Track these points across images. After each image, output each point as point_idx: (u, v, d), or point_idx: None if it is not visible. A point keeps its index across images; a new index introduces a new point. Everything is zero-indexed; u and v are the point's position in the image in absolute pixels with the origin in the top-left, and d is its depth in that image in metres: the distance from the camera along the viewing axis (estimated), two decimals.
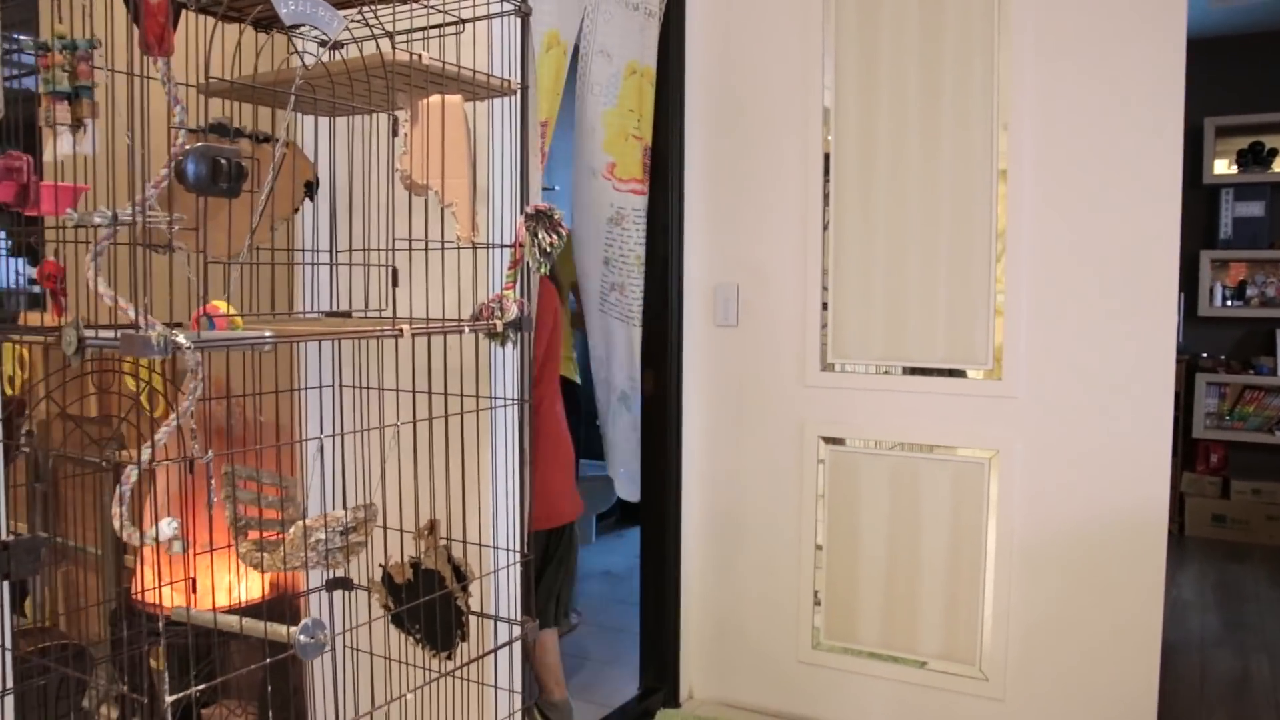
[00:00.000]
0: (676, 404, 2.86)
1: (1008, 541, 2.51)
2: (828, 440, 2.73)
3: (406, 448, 2.04)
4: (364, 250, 1.92)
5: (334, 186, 1.98)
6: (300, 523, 1.56)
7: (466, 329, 1.69)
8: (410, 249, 1.86)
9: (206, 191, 1.23)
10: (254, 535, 1.72)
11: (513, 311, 1.79)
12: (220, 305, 1.49)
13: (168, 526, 1.50)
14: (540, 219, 1.75)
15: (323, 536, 1.57)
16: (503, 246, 2.01)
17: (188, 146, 1.20)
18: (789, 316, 2.76)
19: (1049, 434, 2.46)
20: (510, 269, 1.83)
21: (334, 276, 2.14)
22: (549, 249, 1.76)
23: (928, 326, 2.58)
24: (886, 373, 2.65)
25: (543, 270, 1.77)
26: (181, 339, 1.21)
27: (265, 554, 1.64)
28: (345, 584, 2.13)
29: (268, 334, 1.40)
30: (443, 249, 1.83)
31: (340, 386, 2.14)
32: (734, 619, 2.92)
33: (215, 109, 1.63)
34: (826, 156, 2.68)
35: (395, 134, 1.65)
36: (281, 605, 2.23)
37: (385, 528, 2.08)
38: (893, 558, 2.66)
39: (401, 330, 1.54)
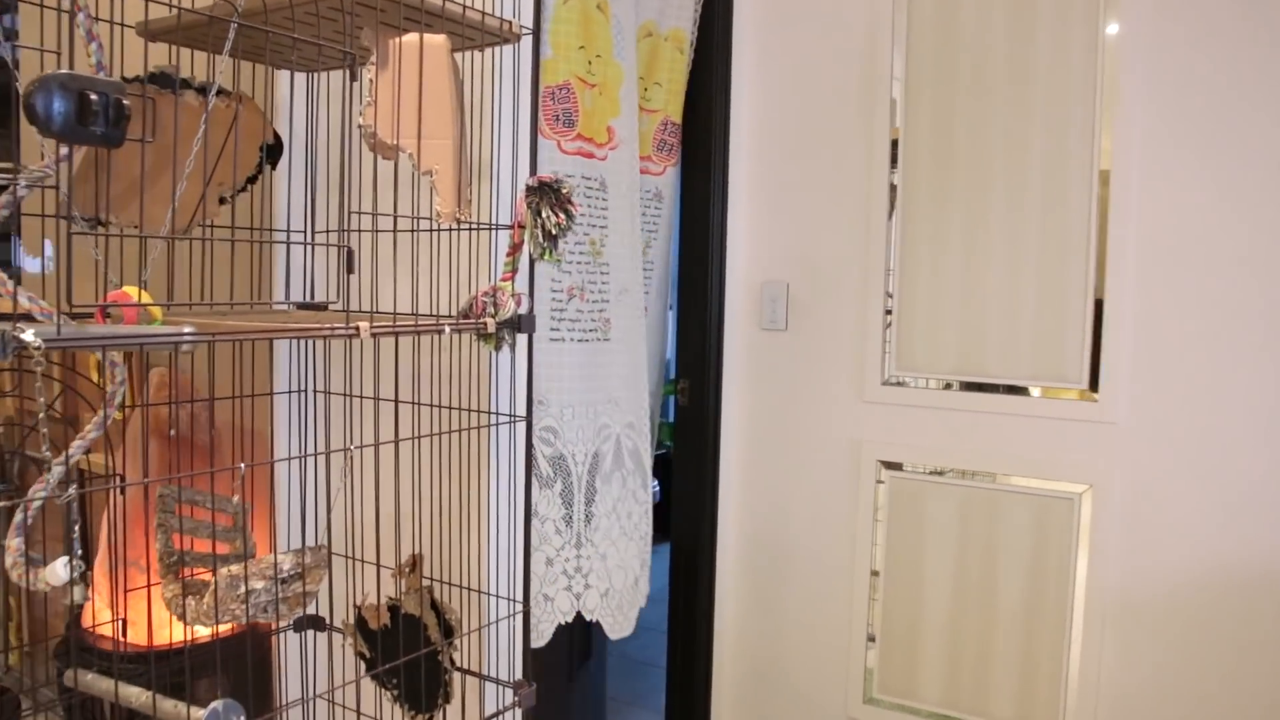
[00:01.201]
0: (714, 418, 2.51)
1: (1100, 593, 2.13)
2: (887, 465, 2.36)
3: (389, 467, 1.72)
4: (340, 231, 1.60)
5: (313, 154, 1.66)
6: (228, 569, 1.24)
7: (447, 328, 1.36)
8: (375, 229, 1.53)
9: (75, 138, 0.91)
10: (187, 573, 1.41)
11: (509, 308, 1.46)
12: (132, 292, 1.18)
13: (62, 568, 1.20)
14: (545, 193, 1.42)
15: (258, 586, 1.25)
16: (498, 228, 1.68)
17: (40, 76, 0.88)
18: (846, 321, 2.40)
19: (1155, 467, 2.07)
20: (508, 255, 1.50)
21: (308, 261, 1.82)
22: (555, 230, 1.42)
23: (1010, 336, 2.21)
24: (959, 389, 2.28)
25: (547, 257, 1.43)
26: (29, 336, 0.89)
27: (191, 600, 1.33)
28: (317, 624, 1.82)
29: (186, 331, 1.09)
30: (415, 230, 1.50)
31: (314, 392, 1.82)
32: (774, 660, 2.56)
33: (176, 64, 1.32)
34: (894, 143, 2.31)
35: (354, 79, 1.32)
36: (247, 642, 1.93)
37: (360, 559, 1.75)
38: (960, 603, 2.29)
39: (358, 329, 1.21)
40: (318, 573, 1.34)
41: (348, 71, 1.35)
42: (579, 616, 2.06)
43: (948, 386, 2.30)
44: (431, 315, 1.43)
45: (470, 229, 1.57)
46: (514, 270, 1.49)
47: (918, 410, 2.32)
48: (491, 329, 1.43)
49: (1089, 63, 2.09)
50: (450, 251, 1.59)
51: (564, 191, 1.42)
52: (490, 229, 1.66)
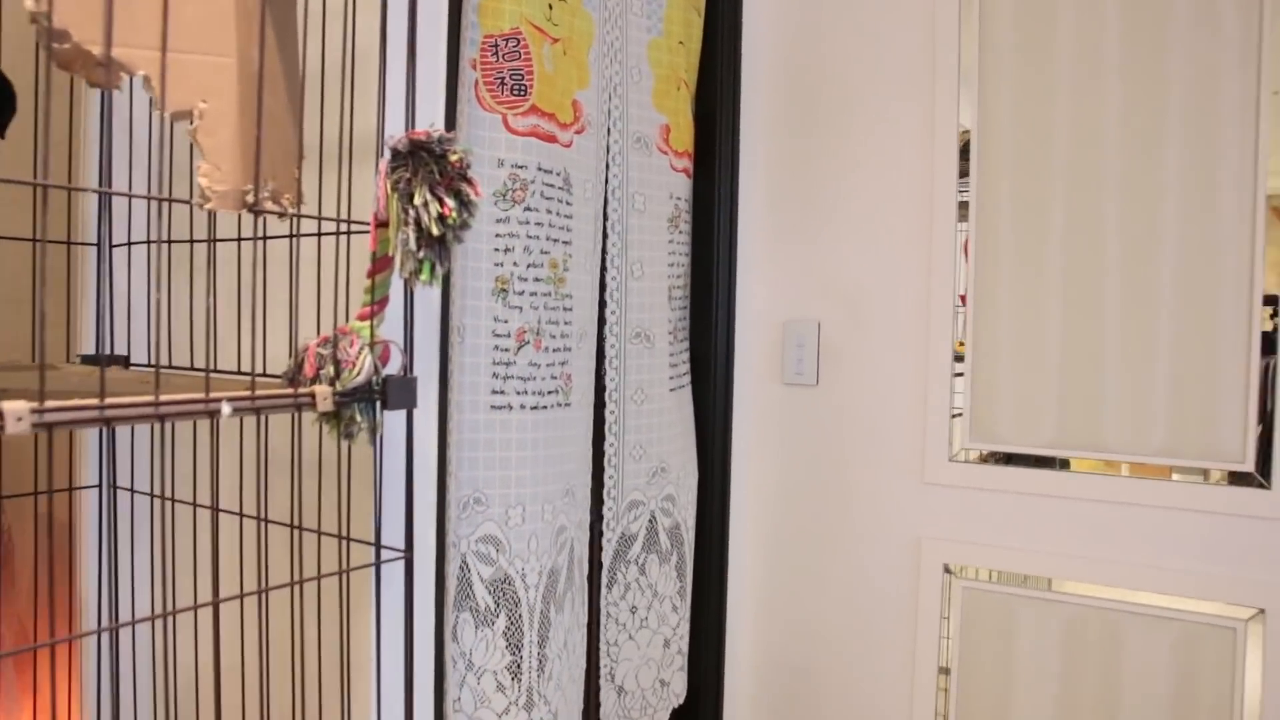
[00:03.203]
0: (721, 505, 1.87)
1: None
2: (959, 573, 1.72)
3: (231, 623, 1.09)
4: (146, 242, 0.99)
5: (107, 119, 1.04)
6: None
7: (225, 407, 0.73)
8: (191, 239, 0.91)
9: None
10: None
11: (361, 367, 0.83)
12: None
13: None
14: (421, 163, 0.79)
15: None
16: (339, 226, 1.05)
17: None
18: (901, 374, 1.77)
19: None
20: (368, 277, 0.87)
21: (105, 288, 1.20)
22: (440, 229, 0.80)
23: (1136, 397, 1.58)
24: (1059, 468, 1.64)
25: (425, 278, 0.80)
26: None
27: None
28: None
29: None
30: (256, 237, 0.87)
31: (130, 489, 1.19)
32: None
33: None
34: (965, 140, 1.70)
35: None
36: None
37: None
38: None
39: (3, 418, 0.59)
40: None
41: None
42: None
43: (1044, 465, 1.66)
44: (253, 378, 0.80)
45: (296, 229, 0.95)
46: (375, 302, 0.86)
47: (1002, 497, 1.68)
48: (323, 406, 0.80)
49: (1249, 38, 1.48)
50: (328, 266, 0.96)
51: (453, 158, 0.79)
52: (336, 231, 1.02)
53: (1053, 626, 1.64)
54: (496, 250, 1.32)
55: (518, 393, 1.35)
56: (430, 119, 1.17)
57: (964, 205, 1.71)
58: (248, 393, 0.74)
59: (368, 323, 0.87)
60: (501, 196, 1.32)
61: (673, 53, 1.68)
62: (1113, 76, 1.58)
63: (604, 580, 1.66)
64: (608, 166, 1.57)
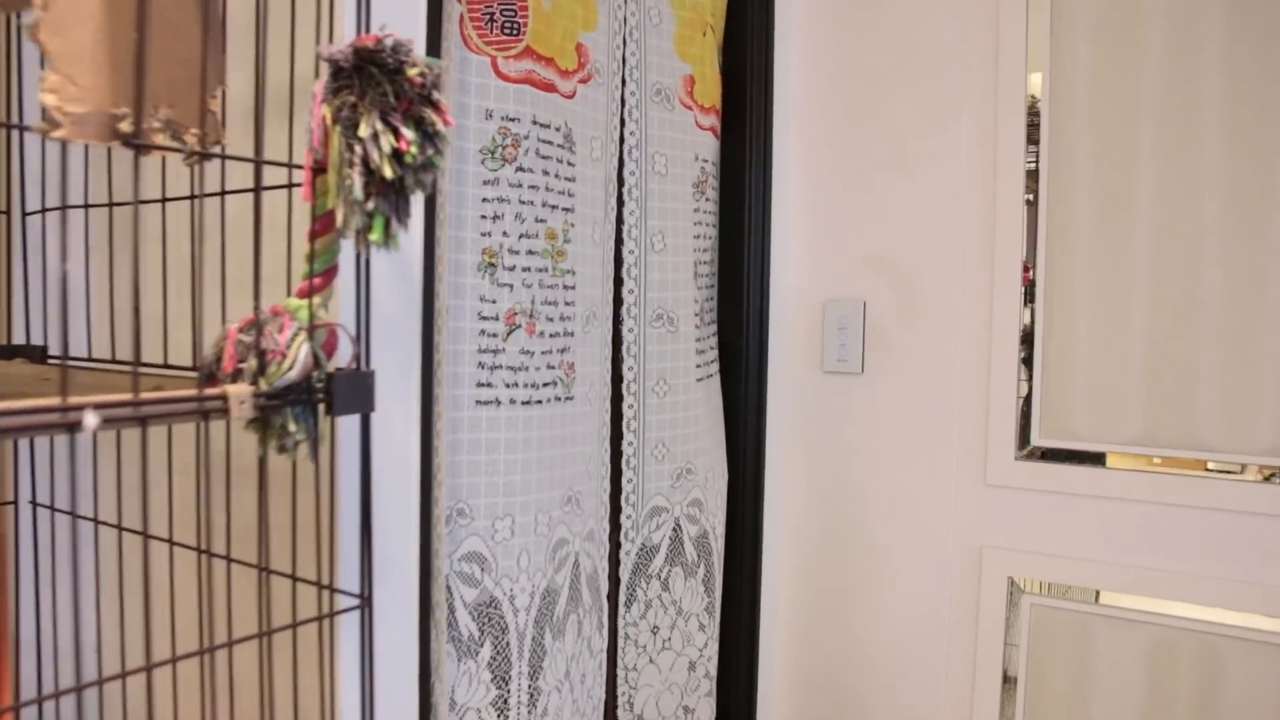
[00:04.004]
0: (754, 510, 1.66)
1: None
2: (1026, 587, 1.51)
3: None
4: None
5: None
6: None
7: (89, 419, 0.52)
8: (136, 200, 0.64)
9: None
10: None
11: (297, 359, 0.62)
12: None
13: None
14: (369, 78, 0.58)
15: None
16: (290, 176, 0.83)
17: None
18: (959, 359, 1.55)
19: None
20: (309, 241, 0.66)
21: (19, 264, 1.01)
22: (406, 163, 0.59)
23: (1239, 386, 1.35)
24: (1148, 469, 1.42)
25: (377, 238, 0.59)
26: None
27: None
28: None
29: None
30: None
31: (49, 507, 0.99)
32: None
33: None
34: (1033, 97, 1.47)
35: None
36: None
37: None
38: None
39: None
40: None
41: None
42: None
43: (1131, 464, 1.44)
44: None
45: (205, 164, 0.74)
46: (318, 274, 0.65)
47: (1077, 501, 1.47)
48: (241, 411, 0.60)
49: None
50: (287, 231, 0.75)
51: (412, 73, 0.58)
52: (288, 184, 0.81)
53: (1137, 650, 1.42)
54: (484, 218, 1.10)
55: (507, 385, 1.14)
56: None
57: (1035, 162, 1.48)
58: (126, 398, 0.53)
59: (306, 301, 0.66)
60: (490, 154, 1.10)
61: None
62: (1217, 22, 1.34)
63: (622, 598, 1.46)
64: (623, 122, 1.36)
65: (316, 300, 0.66)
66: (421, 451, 1.02)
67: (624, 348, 1.40)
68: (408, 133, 0.58)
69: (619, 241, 1.38)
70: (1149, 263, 1.40)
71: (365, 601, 0.71)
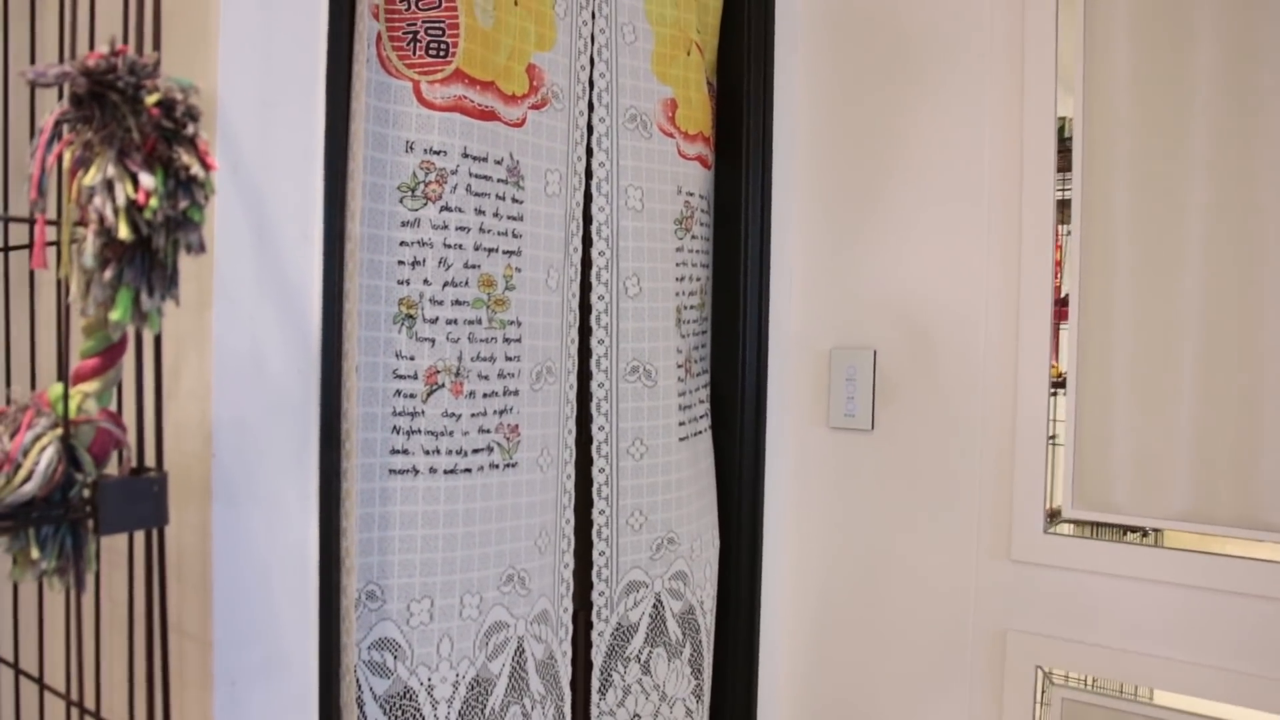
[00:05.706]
0: (749, 583, 1.48)
1: None
2: (1057, 679, 1.32)
3: None
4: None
5: None
6: None
7: None
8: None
9: None
10: None
11: (37, 470, 0.47)
12: None
13: None
14: (110, 109, 0.43)
15: None
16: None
17: None
18: (980, 416, 1.37)
19: None
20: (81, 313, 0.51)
21: None
22: (146, 219, 0.44)
23: None
24: (1198, 546, 1.23)
25: (120, 317, 0.44)
26: None
27: None
28: None
29: None
30: None
31: None
32: None
33: None
34: (1061, 119, 1.30)
35: None
36: None
37: None
38: None
39: None
40: None
41: None
42: None
43: (1180, 540, 1.25)
44: None
45: None
46: (92, 354, 0.51)
47: (1117, 581, 1.27)
48: None
49: None
50: None
51: (150, 101, 0.44)
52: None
53: None
54: (401, 264, 0.96)
55: (426, 452, 0.99)
56: (303, 76, 0.82)
57: (1062, 205, 1.31)
58: None
59: (88, 385, 0.52)
60: (410, 192, 0.96)
61: (680, 6, 1.31)
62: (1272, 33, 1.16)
63: (595, 684, 1.30)
64: (590, 152, 1.21)
65: (88, 387, 0.52)
66: (322, 534, 0.88)
67: (593, 405, 1.24)
68: (146, 180, 0.43)
69: (586, 287, 1.23)
70: (1200, 308, 1.21)
71: None
